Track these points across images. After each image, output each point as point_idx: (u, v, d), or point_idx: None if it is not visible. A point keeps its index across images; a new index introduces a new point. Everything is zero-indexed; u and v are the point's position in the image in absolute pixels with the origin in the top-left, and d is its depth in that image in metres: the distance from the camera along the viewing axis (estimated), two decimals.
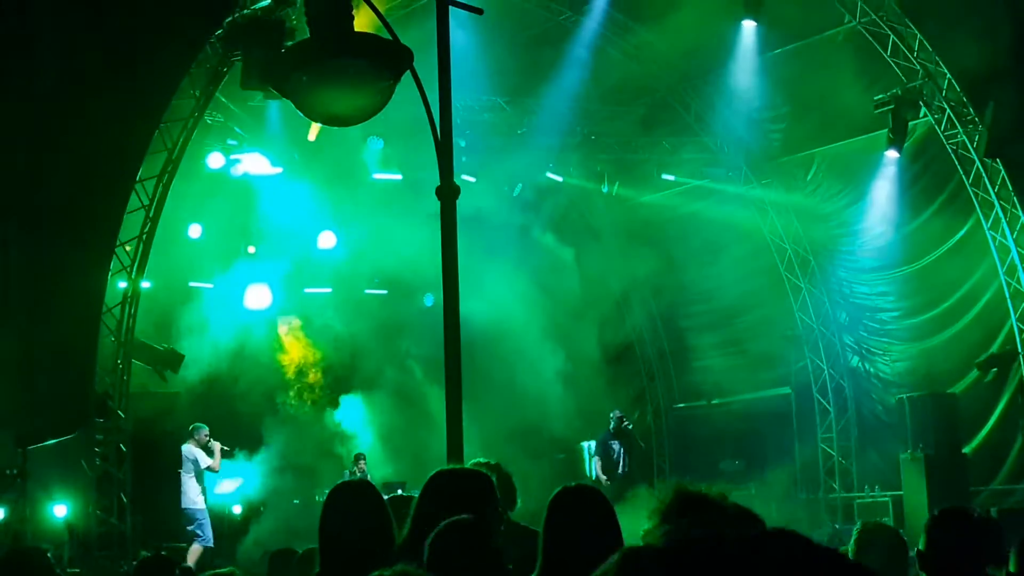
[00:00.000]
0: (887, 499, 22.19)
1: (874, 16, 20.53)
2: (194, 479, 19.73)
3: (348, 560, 5.56)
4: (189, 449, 19.90)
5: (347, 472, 21.98)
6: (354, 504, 5.85)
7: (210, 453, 19.96)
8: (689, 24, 22.42)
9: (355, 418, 24.20)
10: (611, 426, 21.69)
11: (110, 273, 17.48)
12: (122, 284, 18.19)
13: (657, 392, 27.53)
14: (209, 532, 19.73)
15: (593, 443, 23.01)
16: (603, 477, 21.37)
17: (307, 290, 24.63)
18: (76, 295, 16.26)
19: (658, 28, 23.17)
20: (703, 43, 22.95)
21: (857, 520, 21.59)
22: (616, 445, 21.61)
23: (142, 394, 19.63)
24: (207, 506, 19.92)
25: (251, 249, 23.43)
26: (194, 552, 19.07)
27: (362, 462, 22.04)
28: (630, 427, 21.85)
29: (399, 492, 19.20)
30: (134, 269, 18.11)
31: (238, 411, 22.18)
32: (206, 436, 20.20)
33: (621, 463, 21.53)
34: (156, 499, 20.00)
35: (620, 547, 5.13)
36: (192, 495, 19.67)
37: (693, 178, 25.11)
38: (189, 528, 19.50)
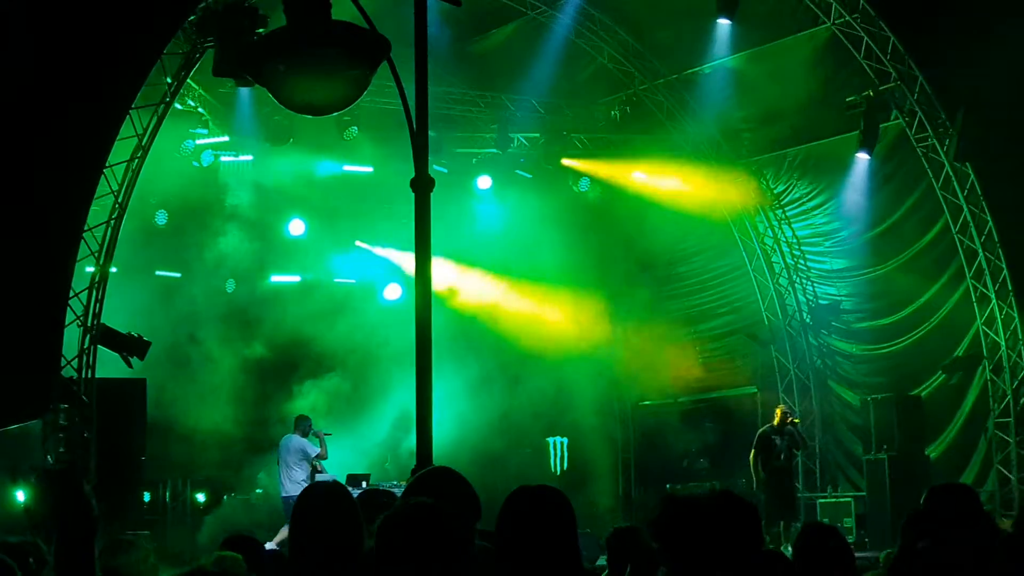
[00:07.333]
0: (850, 499, 22.31)
1: (848, 18, 20.56)
2: (297, 469, 19.97)
3: (318, 562, 5.51)
4: (296, 440, 20.07)
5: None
6: (327, 510, 5.74)
7: (315, 443, 20.29)
8: (663, 22, 22.44)
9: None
10: (775, 421, 20.88)
11: (78, 259, 17.30)
12: (89, 269, 18.04)
13: (624, 389, 27.44)
14: None
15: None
16: (760, 472, 20.59)
17: (274, 278, 24.54)
18: (42, 280, 16.10)
19: (632, 25, 23.19)
20: (677, 41, 22.97)
21: (821, 520, 21.76)
22: (779, 440, 20.84)
23: (107, 380, 19.49)
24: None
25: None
26: (282, 533, 19.19)
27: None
28: (796, 423, 21.08)
29: (364, 485, 19.11)
30: (102, 255, 17.95)
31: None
32: (310, 427, 20.33)
33: (782, 456, 20.77)
34: (119, 486, 19.85)
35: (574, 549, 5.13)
36: (292, 484, 19.72)
37: (664, 176, 25.08)
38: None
